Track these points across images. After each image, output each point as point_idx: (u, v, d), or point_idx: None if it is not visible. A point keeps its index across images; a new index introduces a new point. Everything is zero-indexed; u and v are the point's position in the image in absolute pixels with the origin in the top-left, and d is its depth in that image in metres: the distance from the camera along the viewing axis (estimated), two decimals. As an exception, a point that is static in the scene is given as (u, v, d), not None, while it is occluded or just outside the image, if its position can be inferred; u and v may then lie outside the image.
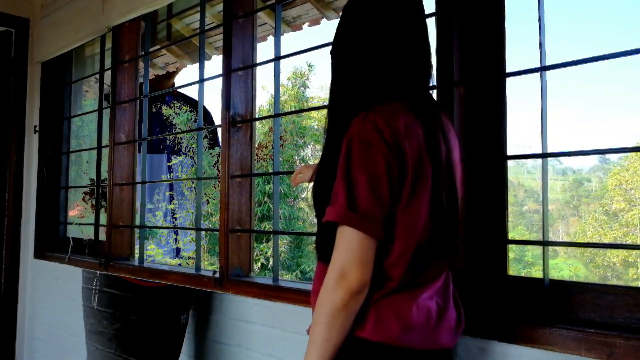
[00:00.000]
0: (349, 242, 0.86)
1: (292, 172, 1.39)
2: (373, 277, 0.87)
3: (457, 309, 1.00)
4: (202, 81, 1.78)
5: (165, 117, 2.01)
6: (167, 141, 2.07)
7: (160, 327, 1.85)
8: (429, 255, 0.92)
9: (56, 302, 2.61)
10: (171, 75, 2.19)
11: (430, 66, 0.99)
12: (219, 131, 1.71)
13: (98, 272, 1.89)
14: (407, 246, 0.89)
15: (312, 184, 1.02)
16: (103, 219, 2.14)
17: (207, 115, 2.11)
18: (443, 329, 0.94)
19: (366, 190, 0.86)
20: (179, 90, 2.15)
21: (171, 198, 2.02)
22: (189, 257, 1.99)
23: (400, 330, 0.88)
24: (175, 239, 2.02)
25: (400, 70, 0.95)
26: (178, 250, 2.08)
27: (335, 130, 0.95)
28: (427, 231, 0.91)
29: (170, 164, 2.05)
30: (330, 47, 1.03)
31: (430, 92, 1.03)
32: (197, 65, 1.88)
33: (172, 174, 2.07)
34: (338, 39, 1.00)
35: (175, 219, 1.99)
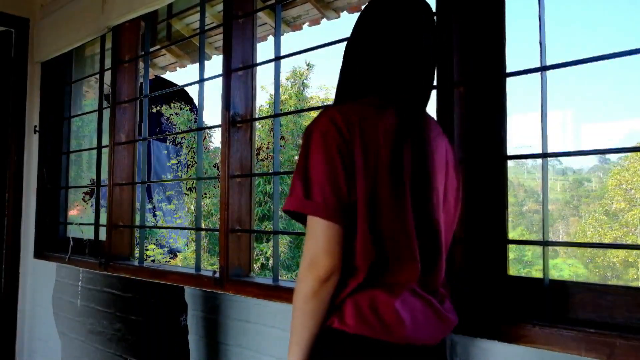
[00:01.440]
0: (314, 230, 0.89)
1: (292, 172, 1.40)
2: (345, 266, 0.90)
3: (447, 309, 1.00)
4: (202, 81, 1.78)
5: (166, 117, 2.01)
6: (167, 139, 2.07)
7: (160, 330, 1.85)
8: (400, 253, 0.92)
9: (56, 302, 2.61)
10: None
11: (420, 69, 0.99)
12: (219, 131, 1.71)
13: (81, 269, 1.88)
14: (367, 237, 0.90)
15: None
16: (103, 219, 2.15)
17: (184, 93, 2.11)
18: (427, 326, 0.95)
19: (322, 179, 0.89)
20: (157, 77, 2.15)
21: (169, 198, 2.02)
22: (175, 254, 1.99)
23: (378, 323, 0.89)
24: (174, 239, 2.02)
25: (378, 69, 0.98)
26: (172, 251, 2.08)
27: None
28: (393, 227, 0.92)
29: (170, 163, 2.05)
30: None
31: (422, 95, 1.01)
32: (197, 65, 1.88)
33: (172, 174, 2.07)
34: (351, 39, 1.04)
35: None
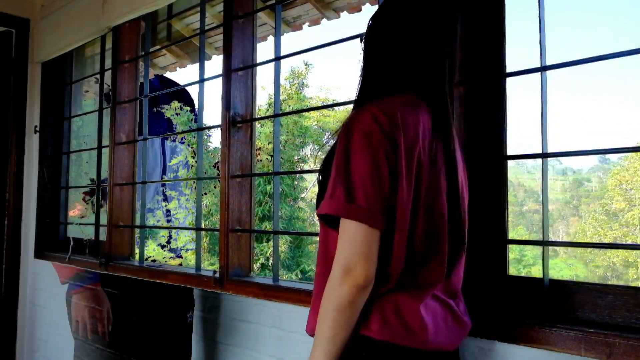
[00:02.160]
0: (352, 235, 0.84)
1: (292, 172, 1.39)
2: (377, 273, 0.86)
3: (462, 312, 1.00)
4: (202, 81, 1.78)
5: (157, 113, 2.01)
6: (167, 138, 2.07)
7: (164, 326, 1.85)
8: (430, 255, 0.91)
9: (56, 302, 2.61)
10: None
11: (444, 66, 0.97)
12: (219, 131, 1.72)
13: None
14: (404, 244, 0.88)
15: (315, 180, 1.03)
16: (103, 219, 2.15)
17: (186, 94, 2.11)
18: (446, 331, 0.93)
19: (366, 181, 0.84)
20: (165, 78, 2.15)
21: (165, 197, 2.02)
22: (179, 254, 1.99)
23: (404, 330, 0.87)
24: (174, 239, 2.02)
25: (410, 65, 0.96)
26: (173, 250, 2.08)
27: None
28: (430, 232, 0.90)
29: (171, 163, 2.05)
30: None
31: (446, 93, 0.98)
32: (197, 65, 1.88)
33: (172, 174, 2.07)
34: (372, 33, 1.01)
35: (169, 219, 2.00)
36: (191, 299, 1.94)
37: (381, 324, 0.87)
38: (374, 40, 0.99)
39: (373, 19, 1.01)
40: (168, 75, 2.88)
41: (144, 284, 1.82)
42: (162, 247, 1.98)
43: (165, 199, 1.96)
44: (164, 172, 2.04)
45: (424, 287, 0.91)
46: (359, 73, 1.01)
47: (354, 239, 0.84)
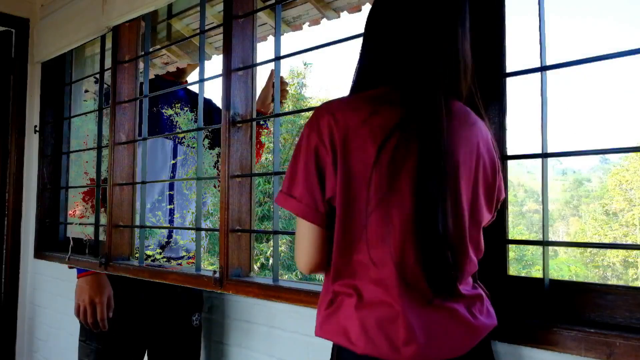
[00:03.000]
0: (298, 227, 0.93)
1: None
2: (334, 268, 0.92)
3: (472, 313, 0.94)
4: (202, 81, 1.78)
5: (166, 117, 2.00)
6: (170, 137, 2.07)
7: (171, 329, 1.85)
8: (383, 259, 0.88)
9: (56, 302, 2.61)
10: (182, 73, 2.16)
11: (434, 52, 0.91)
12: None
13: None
14: (339, 241, 0.90)
15: None
16: (103, 219, 2.14)
17: (213, 113, 2.10)
18: (443, 339, 0.89)
19: (301, 177, 0.90)
20: (192, 92, 2.15)
21: (171, 197, 2.01)
22: (189, 257, 1.99)
23: (385, 342, 0.85)
24: (174, 239, 2.02)
25: (388, 59, 0.94)
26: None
27: None
28: (377, 233, 0.87)
29: (174, 161, 2.05)
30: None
31: (437, 80, 0.91)
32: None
33: (172, 174, 2.07)
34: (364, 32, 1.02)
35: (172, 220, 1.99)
36: (199, 300, 1.93)
37: (363, 338, 0.86)
38: (364, 36, 1.01)
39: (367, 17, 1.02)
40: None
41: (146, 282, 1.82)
42: (162, 247, 1.98)
43: (169, 200, 1.96)
44: (173, 173, 2.04)
45: (404, 294, 0.87)
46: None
47: (297, 230, 0.93)
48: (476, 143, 0.95)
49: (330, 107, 0.92)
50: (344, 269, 0.91)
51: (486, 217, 1.00)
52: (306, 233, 0.93)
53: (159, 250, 1.94)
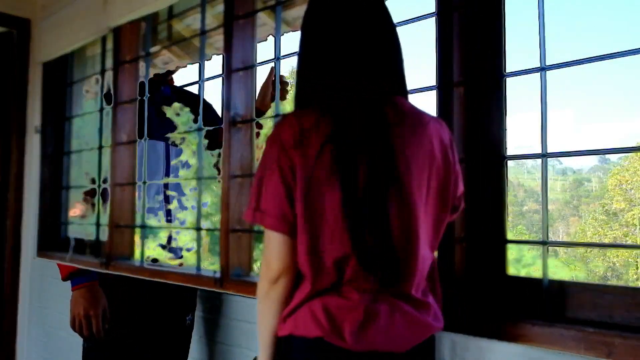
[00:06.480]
0: (266, 237, 0.98)
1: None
2: (299, 275, 0.97)
3: (420, 314, 0.98)
4: (202, 81, 1.78)
5: (166, 118, 2.00)
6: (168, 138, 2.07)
7: (164, 329, 1.86)
8: (350, 258, 0.93)
9: (56, 302, 2.61)
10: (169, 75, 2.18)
11: (360, 66, 0.97)
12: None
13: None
14: (305, 248, 0.94)
15: None
16: (104, 219, 2.15)
17: (211, 113, 2.10)
18: (389, 332, 0.93)
19: (265, 191, 0.96)
20: (179, 89, 2.14)
21: (167, 198, 2.02)
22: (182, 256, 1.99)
23: (332, 327, 0.92)
24: (175, 239, 2.02)
25: (320, 77, 0.99)
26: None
27: None
28: (335, 237, 0.93)
29: (174, 161, 2.05)
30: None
31: (367, 93, 0.97)
32: (197, 65, 1.88)
33: (172, 175, 2.07)
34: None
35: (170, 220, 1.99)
36: (193, 301, 1.94)
37: (311, 322, 0.93)
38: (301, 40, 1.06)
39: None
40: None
41: (145, 281, 1.83)
42: (163, 247, 1.99)
43: (167, 200, 1.96)
44: (167, 174, 2.04)
45: (350, 288, 0.94)
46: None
47: (267, 241, 0.98)
48: (429, 143, 0.98)
49: (289, 121, 0.96)
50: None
51: (443, 217, 1.03)
52: (274, 242, 1.00)
53: (159, 251, 1.95)
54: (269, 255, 0.97)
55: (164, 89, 2.10)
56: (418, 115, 1.00)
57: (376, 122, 0.95)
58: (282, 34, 1.75)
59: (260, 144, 1.77)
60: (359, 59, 0.97)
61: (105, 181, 2.13)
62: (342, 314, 0.93)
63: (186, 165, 2.07)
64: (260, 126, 2.00)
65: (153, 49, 2.15)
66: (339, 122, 0.94)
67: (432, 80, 1.25)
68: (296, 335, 0.94)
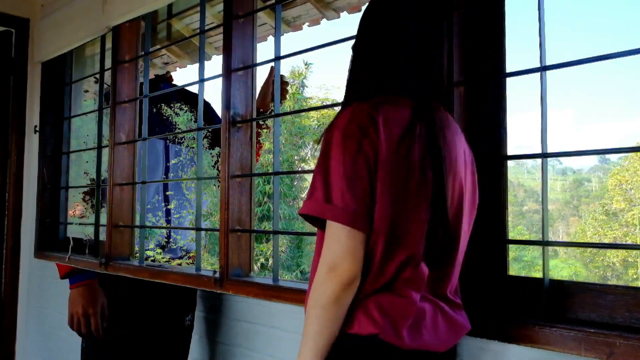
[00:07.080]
0: (337, 235, 0.86)
1: (292, 172, 1.40)
2: (362, 272, 0.88)
3: (457, 315, 0.99)
4: (202, 81, 1.78)
5: (165, 117, 2.00)
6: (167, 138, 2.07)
7: (163, 330, 1.85)
8: (416, 257, 0.91)
9: (56, 302, 2.61)
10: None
11: (434, 66, 0.98)
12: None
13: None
14: (384, 241, 0.89)
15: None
16: (103, 219, 2.14)
17: (210, 113, 2.10)
18: (435, 332, 0.93)
19: (343, 182, 0.85)
20: (179, 88, 2.14)
21: (166, 198, 2.01)
22: (188, 257, 1.99)
23: (388, 325, 0.88)
24: (174, 239, 2.02)
25: (398, 66, 0.96)
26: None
27: None
28: (416, 232, 0.90)
29: (173, 161, 2.04)
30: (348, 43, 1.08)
31: (437, 91, 0.99)
32: (197, 65, 1.88)
33: (172, 174, 2.07)
34: (358, 36, 1.02)
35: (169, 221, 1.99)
36: (192, 301, 1.93)
37: (366, 320, 0.88)
38: (358, 40, 1.00)
39: (361, 19, 1.03)
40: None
41: (144, 282, 1.82)
42: (162, 247, 1.98)
43: (166, 200, 1.96)
44: (166, 174, 2.03)
45: (407, 287, 0.91)
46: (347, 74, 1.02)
47: (338, 238, 0.86)
48: (466, 149, 1.02)
49: (361, 106, 0.90)
50: None
51: (470, 220, 1.04)
52: (351, 240, 0.91)
53: (159, 251, 1.94)
54: (340, 255, 0.85)
55: (163, 86, 2.09)
56: (453, 122, 1.02)
57: (435, 117, 0.94)
58: (282, 34, 1.75)
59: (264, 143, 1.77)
60: (423, 56, 0.96)
61: (104, 181, 2.13)
62: (397, 312, 0.89)
63: (186, 165, 2.06)
64: (260, 126, 1.99)
65: (152, 49, 2.14)
66: (418, 114, 0.91)
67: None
68: (348, 332, 0.89)
